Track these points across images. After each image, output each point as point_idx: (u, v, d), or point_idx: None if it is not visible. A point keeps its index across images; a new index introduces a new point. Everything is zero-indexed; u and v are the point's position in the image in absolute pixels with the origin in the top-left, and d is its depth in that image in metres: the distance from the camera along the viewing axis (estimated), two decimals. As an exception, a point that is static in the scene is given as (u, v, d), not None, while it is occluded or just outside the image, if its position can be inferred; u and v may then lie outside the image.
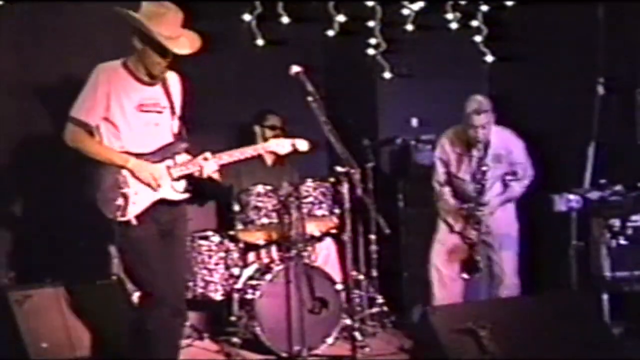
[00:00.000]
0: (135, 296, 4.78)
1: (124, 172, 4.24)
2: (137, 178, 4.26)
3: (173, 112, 4.43)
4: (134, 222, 4.21)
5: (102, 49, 4.97)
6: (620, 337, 4.83)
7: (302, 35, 6.22)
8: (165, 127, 4.40)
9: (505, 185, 5.49)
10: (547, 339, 4.20)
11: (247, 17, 6.06)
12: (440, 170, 5.59)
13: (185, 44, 4.25)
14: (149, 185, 4.27)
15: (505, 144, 5.43)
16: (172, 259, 4.41)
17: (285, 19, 6.10)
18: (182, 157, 4.43)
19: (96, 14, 5.30)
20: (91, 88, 4.25)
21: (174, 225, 4.43)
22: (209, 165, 4.44)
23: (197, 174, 4.43)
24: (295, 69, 4.57)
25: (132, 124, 4.29)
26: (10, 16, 5.35)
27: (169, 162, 4.37)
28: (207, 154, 4.45)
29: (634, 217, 5.06)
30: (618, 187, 5.12)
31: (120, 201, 4.20)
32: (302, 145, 4.79)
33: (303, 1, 6.16)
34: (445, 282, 5.52)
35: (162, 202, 4.34)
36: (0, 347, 4.81)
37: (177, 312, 4.43)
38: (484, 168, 5.31)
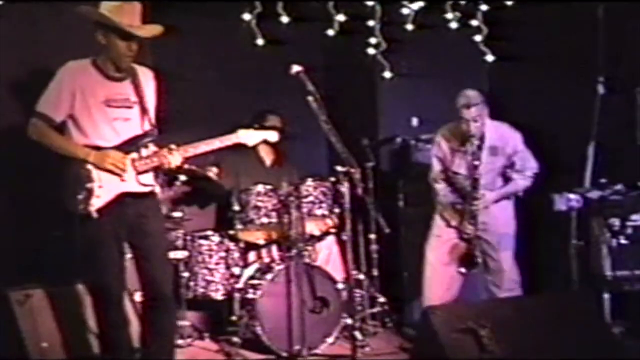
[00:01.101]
0: (136, 296, 4.79)
1: (88, 166, 4.22)
2: (101, 169, 4.23)
3: (143, 107, 4.39)
4: (95, 215, 4.17)
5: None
6: (621, 337, 4.83)
7: (302, 35, 6.21)
8: (135, 122, 4.37)
9: (507, 179, 5.48)
10: (547, 339, 4.20)
11: (247, 16, 6.05)
12: (436, 167, 5.57)
13: (147, 30, 4.30)
14: (112, 173, 4.23)
15: (500, 136, 5.42)
16: (147, 255, 4.36)
17: (285, 19, 6.09)
18: (148, 151, 4.39)
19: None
20: (56, 84, 4.30)
21: (141, 222, 4.36)
22: (175, 158, 4.38)
23: (165, 166, 4.38)
24: (295, 68, 4.57)
25: (99, 120, 4.28)
26: (10, 16, 5.34)
27: (133, 155, 4.33)
28: (172, 146, 4.40)
29: (634, 217, 5.07)
30: (618, 187, 5.13)
31: (83, 194, 4.18)
32: (272, 136, 4.74)
33: (303, 1, 6.16)
34: (438, 277, 5.46)
35: (127, 197, 4.30)
36: (0, 347, 4.80)
37: (163, 309, 4.41)
38: (475, 162, 5.31)
